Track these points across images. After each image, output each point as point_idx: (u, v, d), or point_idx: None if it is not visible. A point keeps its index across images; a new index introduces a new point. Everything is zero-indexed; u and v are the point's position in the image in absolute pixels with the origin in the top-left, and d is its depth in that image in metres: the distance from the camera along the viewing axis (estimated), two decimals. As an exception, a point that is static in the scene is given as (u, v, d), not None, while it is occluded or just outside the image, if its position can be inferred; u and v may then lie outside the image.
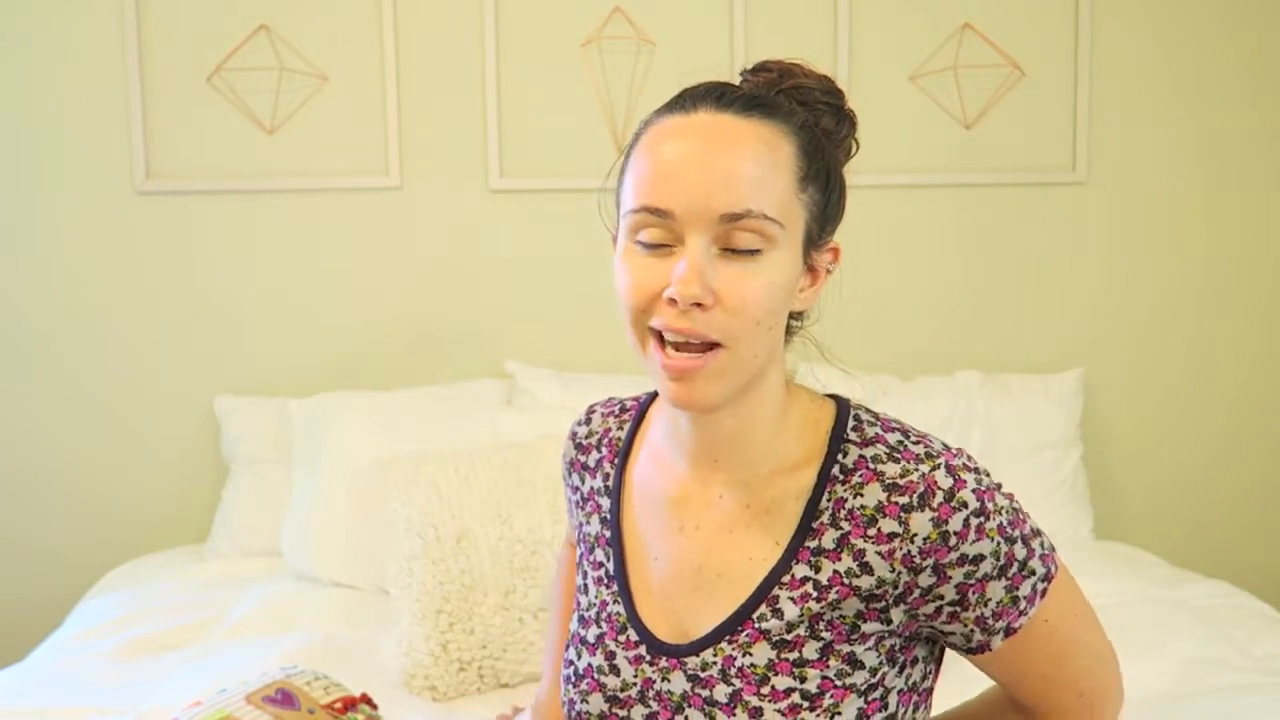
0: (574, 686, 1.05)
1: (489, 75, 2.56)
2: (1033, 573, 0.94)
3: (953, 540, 0.90)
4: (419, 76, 2.58)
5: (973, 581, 0.91)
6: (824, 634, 0.94)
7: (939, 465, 0.92)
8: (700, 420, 0.98)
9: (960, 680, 1.85)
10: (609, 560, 1.06)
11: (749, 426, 0.97)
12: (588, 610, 1.07)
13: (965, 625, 0.94)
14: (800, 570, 0.94)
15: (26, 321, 2.59)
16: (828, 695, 0.93)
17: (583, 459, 1.13)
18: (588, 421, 1.15)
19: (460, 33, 2.57)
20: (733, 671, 0.95)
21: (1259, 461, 2.76)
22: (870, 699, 0.94)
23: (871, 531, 0.92)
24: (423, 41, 2.57)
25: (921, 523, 0.90)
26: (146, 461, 2.63)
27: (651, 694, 0.99)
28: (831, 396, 1.02)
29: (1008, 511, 0.93)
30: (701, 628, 0.98)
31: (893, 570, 0.91)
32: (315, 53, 2.56)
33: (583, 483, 1.13)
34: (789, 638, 0.94)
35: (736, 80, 1.01)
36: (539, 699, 1.24)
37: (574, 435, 1.16)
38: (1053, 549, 0.97)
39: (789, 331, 1.01)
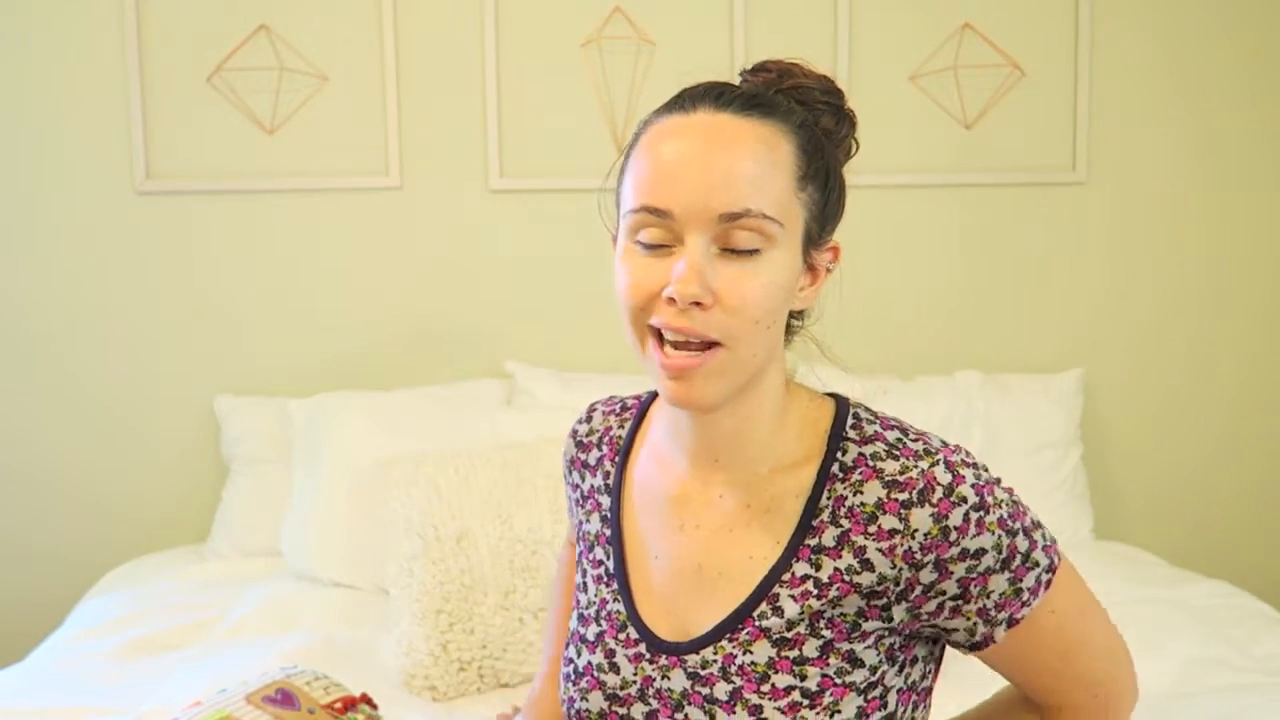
0: (573, 684, 1.05)
1: (489, 75, 2.56)
2: (1036, 564, 0.94)
3: (953, 535, 0.90)
4: (419, 76, 2.58)
5: (975, 575, 0.91)
6: (824, 632, 0.94)
7: (938, 461, 0.92)
8: (700, 419, 0.98)
9: (959, 680, 1.85)
10: (609, 558, 1.06)
11: (749, 425, 0.98)
12: (587, 608, 1.07)
13: (968, 619, 0.94)
14: (801, 568, 0.95)
15: (26, 321, 2.59)
16: (827, 693, 0.93)
17: (583, 457, 1.13)
18: (588, 419, 1.15)
19: (460, 33, 2.57)
20: (733, 669, 0.95)
21: (1259, 461, 2.76)
22: (870, 697, 0.95)
23: (872, 529, 0.92)
24: (423, 41, 2.57)
25: (922, 518, 0.90)
26: (146, 461, 2.63)
27: (651, 692, 1.00)
28: (831, 395, 1.02)
29: (1007, 505, 0.93)
30: (702, 626, 0.98)
31: (894, 566, 0.92)
32: (315, 53, 2.56)
33: (583, 480, 1.13)
34: (789, 636, 0.94)
35: (736, 80, 1.01)
36: (533, 695, 1.23)
37: (575, 433, 1.16)
38: (1055, 541, 0.97)
39: (789, 330, 1.02)
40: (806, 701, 0.93)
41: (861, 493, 0.93)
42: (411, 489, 2.00)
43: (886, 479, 0.92)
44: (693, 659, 0.98)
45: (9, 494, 2.63)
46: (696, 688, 0.97)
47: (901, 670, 0.97)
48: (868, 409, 1.00)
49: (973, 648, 0.97)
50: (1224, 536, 2.75)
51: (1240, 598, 2.19)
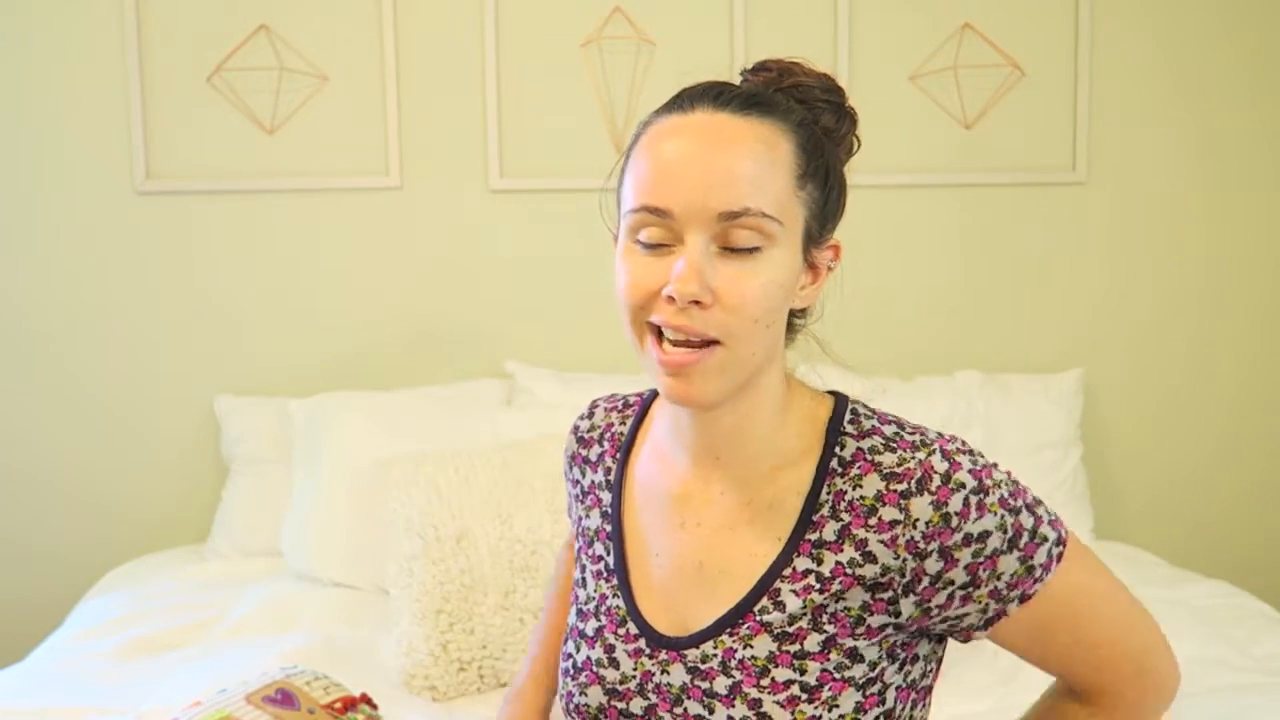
0: (572, 679, 1.05)
1: (489, 75, 2.56)
2: (1045, 539, 0.93)
3: (955, 521, 0.90)
4: (419, 76, 2.58)
5: (982, 559, 0.91)
6: (827, 627, 0.94)
7: (934, 451, 0.93)
8: (701, 417, 0.98)
9: (960, 680, 1.85)
10: (609, 554, 1.07)
11: (749, 423, 0.98)
12: (586, 604, 1.07)
13: (979, 603, 0.93)
14: (802, 563, 0.95)
15: (26, 321, 2.59)
16: (826, 688, 0.93)
17: (584, 453, 1.14)
18: (590, 415, 1.16)
19: (460, 33, 2.57)
20: (733, 664, 0.96)
21: (1259, 461, 2.76)
22: (868, 693, 0.95)
23: (873, 521, 0.92)
24: (423, 41, 2.57)
25: (921, 507, 0.91)
26: (146, 461, 2.63)
27: (650, 686, 1.00)
28: (831, 393, 1.02)
29: (1007, 485, 0.93)
30: (702, 622, 0.98)
31: (897, 557, 0.91)
32: (315, 53, 2.56)
33: (583, 476, 1.13)
34: (791, 630, 0.94)
35: (737, 79, 1.01)
36: (516, 685, 1.23)
37: (576, 429, 1.16)
38: (1059, 517, 0.97)
39: (791, 329, 1.02)
40: (805, 696, 0.93)
41: (861, 486, 0.93)
42: (411, 489, 2.00)
43: (885, 471, 0.93)
44: (692, 653, 0.98)
45: (9, 494, 2.63)
46: (696, 682, 0.97)
47: (901, 668, 0.97)
48: (866, 405, 1.01)
49: (986, 625, 0.95)
50: (1224, 536, 2.75)
51: (1240, 598, 2.19)
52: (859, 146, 1.02)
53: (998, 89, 2.61)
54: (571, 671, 1.06)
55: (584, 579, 1.09)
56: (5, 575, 2.65)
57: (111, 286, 2.59)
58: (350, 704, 1.54)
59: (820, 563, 0.94)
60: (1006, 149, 2.64)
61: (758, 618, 0.95)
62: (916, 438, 0.94)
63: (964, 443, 0.95)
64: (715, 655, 0.96)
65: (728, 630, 0.96)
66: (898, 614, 0.94)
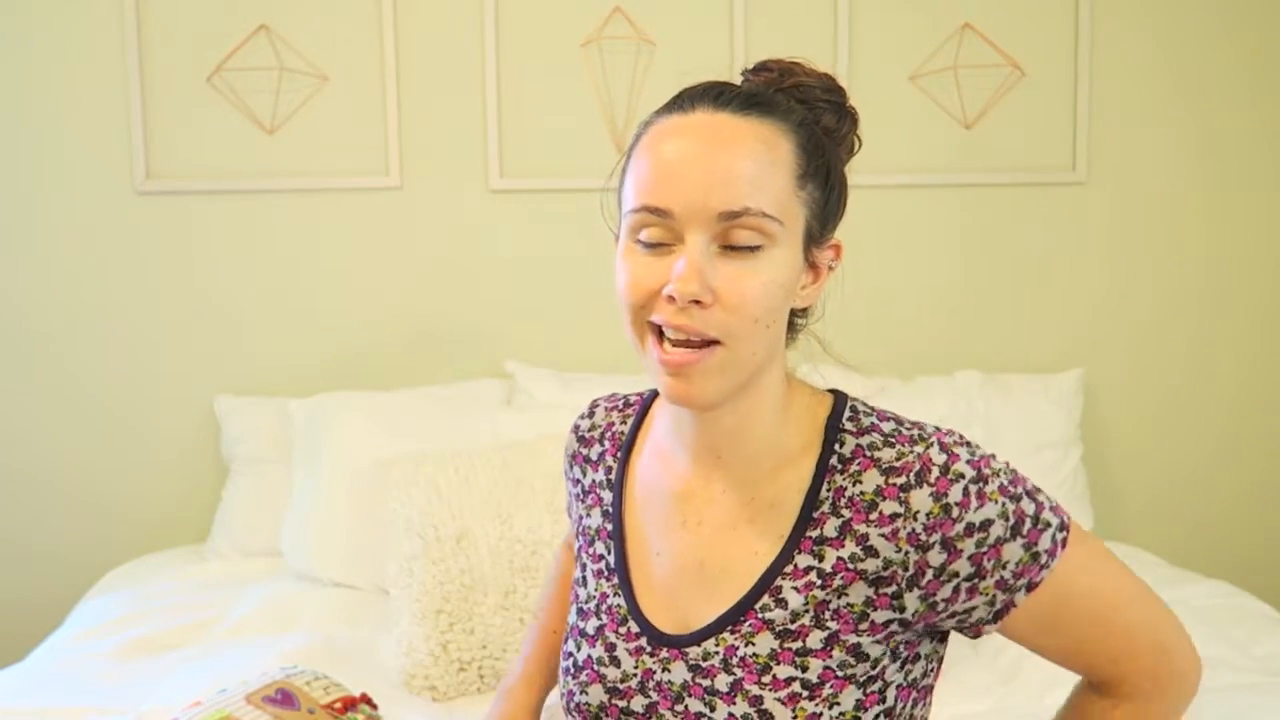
0: (573, 678, 1.05)
1: (489, 75, 2.56)
2: (1048, 524, 0.93)
3: (955, 511, 0.90)
4: (419, 76, 2.58)
5: (986, 549, 0.91)
6: (830, 623, 0.94)
7: (931, 444, 0.93)
8: (702, 416, 0.98)
9: (960, 680, 1.85)
10: (609, 553, 1.07)
11: (750, 422, 0.98)
12: (587, 602, 1.08)
13: (986, 594, 0.93)
14: (803, 560, 0.95)
15: (26, 321, 2.59)
16: (827, 685, 0.94)
17: (585, 452, 1.14)
18: (590, 415, 1.16)
19: (460, 33, 2.57)
20: (734, 661, 0.96)
21: (1259, 461, 2.76)
22: (869, 691, 0.95)
23: (873, 515, 0.92)
24: (423, 41, 2.57)
25: (921, 499, 0.91)
26: (146, 461, 2.63)
27: (652, 684, 1.00)
28: (831, 391, 1.03)
29: (1006, 473, 0.93)
30: (703, 620, 0.98)
31: (899, 550, 0.91)
32: (315, 53, 2.56)
33: (584, 475, 1.13)
34: (793, 627, 0.94)
35: (738, 79, 1.01)
36: (507, 683, 1.23)
37: (576, 428, 1.16)
38: (1059, 504, 0.96)
39: (792, 328, 1.02)
40: (806, 693, 0.93)
41: (860, 482, 0.94)
42: (411, 489, 2.00)
43: (884, 466, 0.93)
44: (694, 651, 0.98)
45: (9, 494, 2.63)
46: (697, 679, 0.97)
47: (902, 666, 0.97)
48: (865, 403, 1.01)
49: (995, 618, 0.94)
50: (1224, 536, 2.75)
51: (1240, 598, 2.19)
52: (860, 146, 1.02)
53: (998, 89, 2.61)
54: (572, 670, 1.06)
55: (584, 578, 1.09)
56: (5, 575, 2.65)
57: (111, 286, 2.59)
58: (350, 704, 1.54)
59: (821, 559, 0.94)
60: (1006, 149, 2.64)
61: (759, 615, 0.95)
62: (914, 432, 0.95)
63: (961, 436, 0.95)
64: (717, 653, 0.97)
65: (729, 628, 0.96)
66: (902, 609, 0.93)
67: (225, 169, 2.58)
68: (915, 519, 0.91)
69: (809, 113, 0.97)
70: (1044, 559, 0.93)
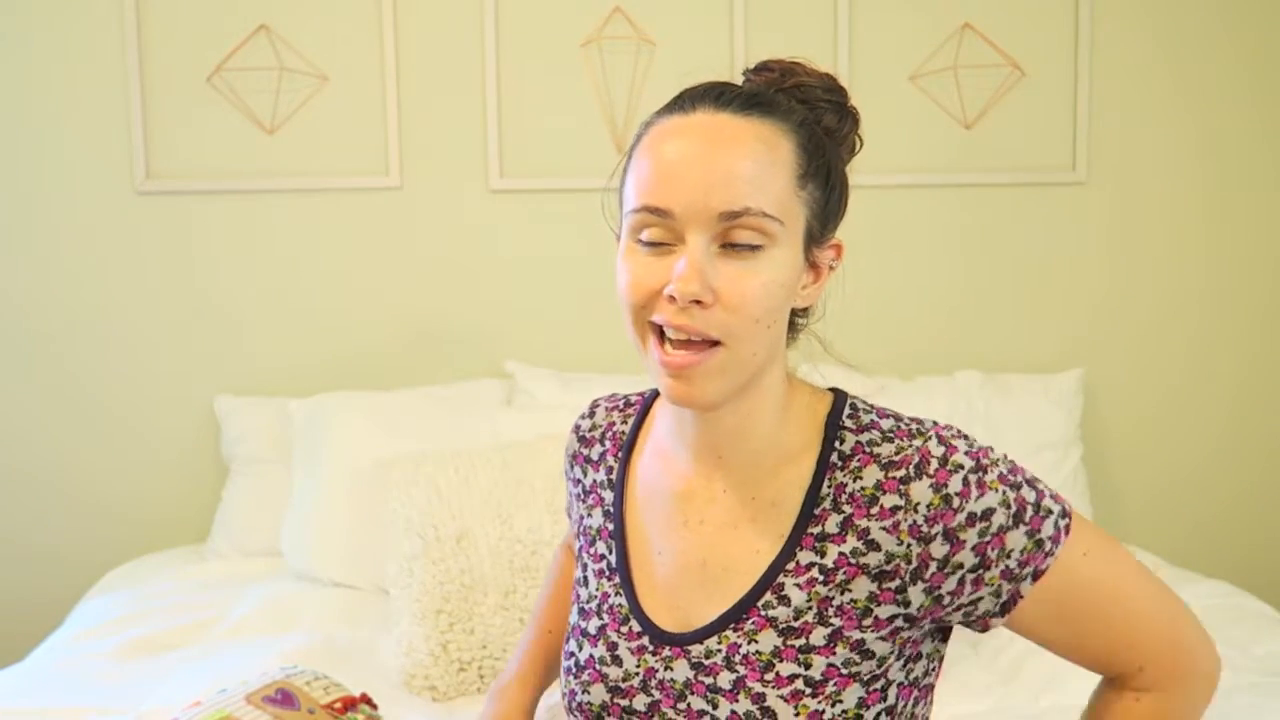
0: (575, 678, 1.05)
1: (489, 75, 2.56)
2: (1050, 511, 0.93)
3: (956, 501, 0.91)
4: (419, 76, 2.58)
5: (989, 538, 0.91)
6: (833, 620, 0.94)
7: (930, 437, 0.94)
8: (703, 416, 0.98)
9: (959, 679, 1.85)
10: (611, 553, 1.07)
11: (751, 422, 0.98)
12: (588, 602, 1.08)
13: (991, 585, 0.93)
14: (805, 557, 0.95)
15: (26, 321, 2.59)
16: (831, 683, 0.94)
17: (585, 452, 1.14)
18: (591, 415, 1.16)
19: (460, 33, 2.57)
20: (737, 659, 0.96)
21: (1259, 461, 2.76)
22: (872, 689, 0.95)
23: (874, 510, 0.93)
24: (423, 41, 2.57)
25: (921, 490, 0.91)
26: (146, 461, 2.63)
27: (654, 683, 1.00)
28: (831, 390, 1.03)
29: (1004, 463, 0.94)
30: (705, 619, 0.99)
31: (901, 543, 0.92)
32: (315, 53, 2.56)
33: (585, 476, 1.13)
34: (796, 624, 0.94)
35: (739, 79, 1.01)
36: (501, 682, 1.22)
37: (577, 429, 1.17)
38: (1059, 494, 0.96)
39: (793, 328, 1.03)
40: (809, 690, 0.94)
41: (861, 478, 0.94)
42: (411, 489, 2.00)
43: (883, 461, 0.93)
44: (696, 649, 0.98)
45: (9, 494, 2.62)
46: (700, 677, 0.97)
47: (905, 665, 0.97)
48: (864, 401, 1.01)
49: (1003, 610, 0.94)
50: (1224, 536, 2.75)
51: (1240, 598, 2.19)
52: (861, 146, 1.02)
53: (998, 89, 2.61)
54: (574, 670, 1.06)
55: (585, 578, 1.09)
56: (5, 575, 2.65)
57: (111, 286, 2.59)
58: (350, 704, 1.54)
59: (823, 555, 0.95)
60: (1006, 149, 2.64)
61: (762, 612, 0.96)
62: (913, 426, 0.96)
63: (959, 430, 0.96)
64: (719, 650, 0.97)
65: (732, 625, 0.97)
66: (907, 603, 0.93)
67: (225, 169, 2.58)
68: (916, 511, 0.91)
69: (810, 112, 0.97)
70: (1048, 546, 0.93)
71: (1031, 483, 0.94)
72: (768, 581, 0.96)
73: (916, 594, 0.93)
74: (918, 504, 0.91)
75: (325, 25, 2.55)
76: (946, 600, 0.93)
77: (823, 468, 0.96)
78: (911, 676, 0.98)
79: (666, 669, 1.00)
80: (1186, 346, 2.71)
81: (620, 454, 1.11)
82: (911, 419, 0.97)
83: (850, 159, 1.02)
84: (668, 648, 1.00)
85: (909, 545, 0.91)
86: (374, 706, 1.58)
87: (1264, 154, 2.67)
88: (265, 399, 2.55)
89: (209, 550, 2.47)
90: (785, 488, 0.98)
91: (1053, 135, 2.64)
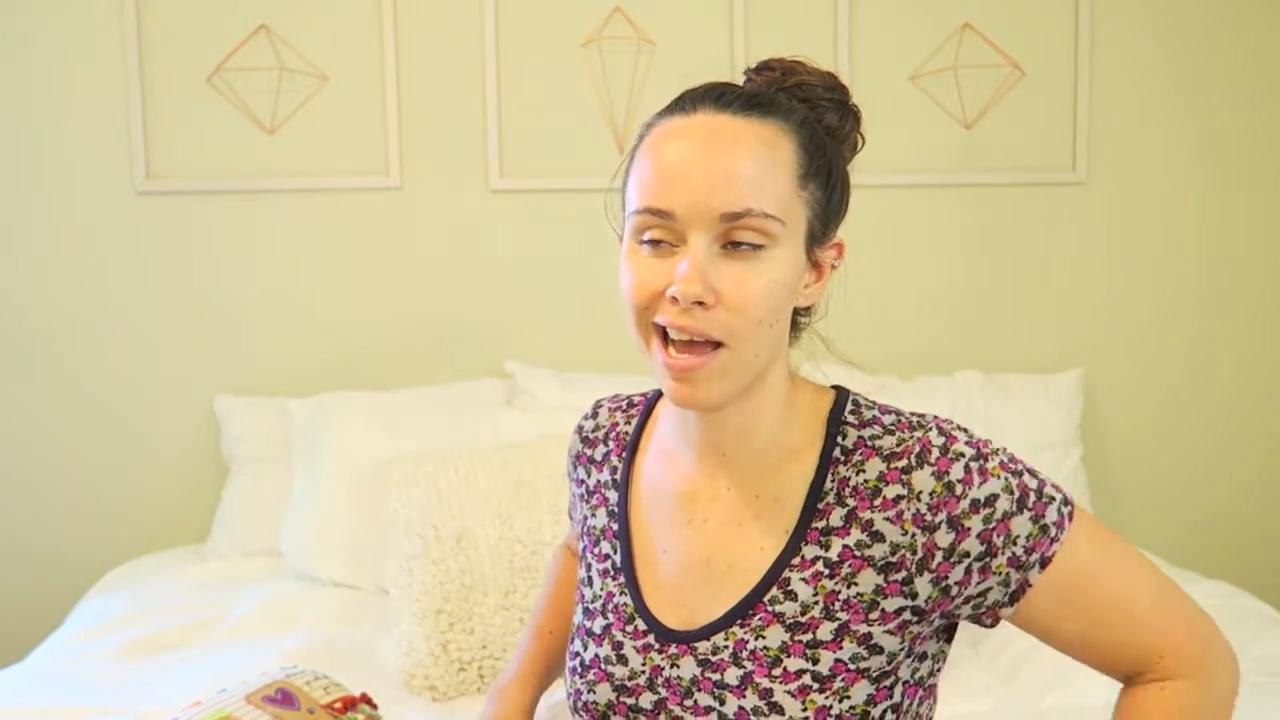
0: (580, 677, 1.06)
1: (489, 75, 2.56)
2: (1052, 498, 0.94)
3: (959, 489, 0.91)
4: (419, 76, 2.58)
5: (994, 524, 0.91)
6: (840, 614, 0.94)
7: (930, 428, 0.95)
8: (707, 416, 0.99)
9: (959, 680, 1.85)
10: (615, 552, 1.07)
11: (754, 421, 0.99)
12: (593, 602, 1.08)
13: (999, 574, 0.93)
14: (810, 551, 0.95)
15: (26, 321, 2.59)
16: (839, 678, 0.94)
17: (589, 452, 1.14)
18: (594, 415, 1.17)
19: (460, 33, 2.57)
20: (744, 655, 0.96)
21: (1259, 461, 2.76)
22: (880, 686, 0.95)
23: (877, 501, 0.93)
24: (423, 41, 2.57)
25: (923, 479, 0.92)
26: (146, 461, 2.63)
27: (660, 681, 1.00)
28: (834, 387, 1.04)
29: (1004, 452, 0.95)
30: (711, 616, 0.99)
31: (905, 533, 0.92)
32: (315, 53, 2.56)
33: (589, 476, 1.14)
34: (803, 619, 0.95)
35: (740, 79, 1.02)
36: (500, 682, 1.23)
37: (580, 429, 1.17)
38: (1059, 484, 0.97)
39: (796, 327, 1.03)
40: (817, 685, 0.94)
41: (864, 471, 0.95)
42: (411, 489, 2.00)
43: (885, 454, 0.94)
44: (703, 646, 0.98)
45: (9, 494, 2.62)
46: (706, 674, 0.98)
47: (911, 664, 0.97)
48: (866, 398, 1.02)
49: (1012, 600, 0.94)
50: (1224, 536, 2.75)
51: (1240, 598, 2.19)
52: (863, 144, 1.02)
53: (998, 89, 2.61)
54: (579, 669, 1.06)
55: (590, 578, 1.10)
56: (5, 575, 2.64)
57: (111, 286, 2.59)
58: (350, 704, 1.54)
59: (828, 549, 0.95)
60: (1006, 149, 2.64)
61: (769, 608, 0.96)
62: (914, 420, 0.97)
63: (959, 424, 0.97)
64: (726, 647, 0.97)
65: (739, 622, 0.97)
66: (914, 595, 0.93)
67: (225, 169, 2.58)
68: (919, 499, 0.91)
69: (811, 112, 0.98)
70: (1053, 531, 0.93)
71: (1031, 472, 0.95)
72: (773, 577, 0.96)
73: (924, 585, 0.93)
74: (920, 492, 0.92)
75: (325, 25, 2.55)
76: (954, 591, 0.93)
77: (826, 463, 0.97)
78: (917, 676, 0.99)
79: (673, 666, 1.00)
80: (1186, 346, 2.71)
81: (624, 454, 1.11)
82: (913, 413, 0.98)
83: (852, 157, 1.02)
84: (674, 645, 1.00)
85: (913, 534, 0.92)
86: (374, 706, 1.58)
87: (1264, 154, 2.67)
88: (265, 399, 2.55)
89: (209, 550, 2.47)
90: (789, 484, 0.98)
91: (1052, 135, 2.64)
